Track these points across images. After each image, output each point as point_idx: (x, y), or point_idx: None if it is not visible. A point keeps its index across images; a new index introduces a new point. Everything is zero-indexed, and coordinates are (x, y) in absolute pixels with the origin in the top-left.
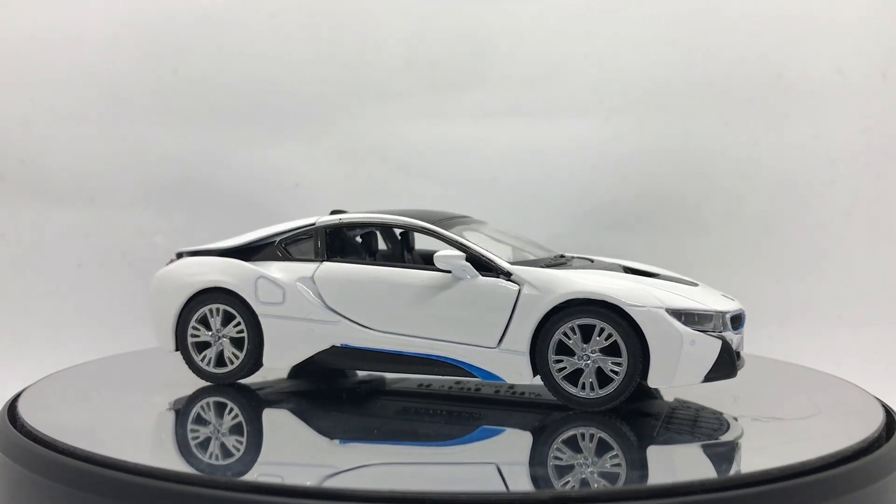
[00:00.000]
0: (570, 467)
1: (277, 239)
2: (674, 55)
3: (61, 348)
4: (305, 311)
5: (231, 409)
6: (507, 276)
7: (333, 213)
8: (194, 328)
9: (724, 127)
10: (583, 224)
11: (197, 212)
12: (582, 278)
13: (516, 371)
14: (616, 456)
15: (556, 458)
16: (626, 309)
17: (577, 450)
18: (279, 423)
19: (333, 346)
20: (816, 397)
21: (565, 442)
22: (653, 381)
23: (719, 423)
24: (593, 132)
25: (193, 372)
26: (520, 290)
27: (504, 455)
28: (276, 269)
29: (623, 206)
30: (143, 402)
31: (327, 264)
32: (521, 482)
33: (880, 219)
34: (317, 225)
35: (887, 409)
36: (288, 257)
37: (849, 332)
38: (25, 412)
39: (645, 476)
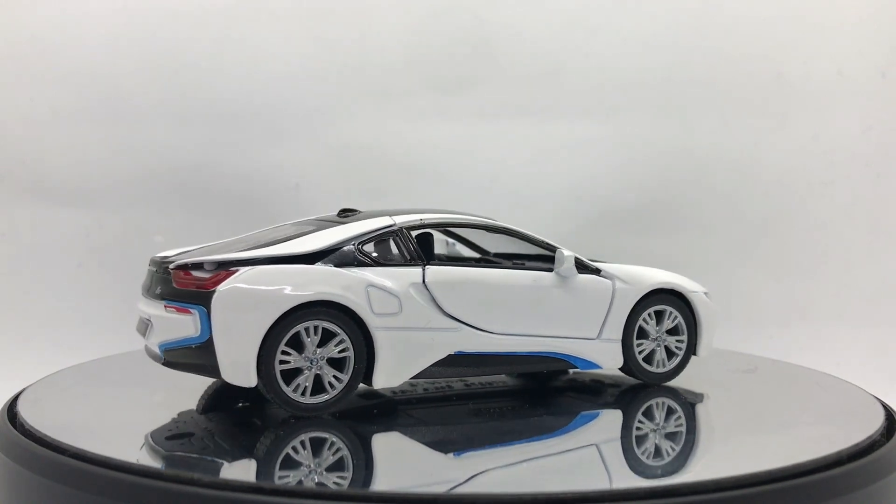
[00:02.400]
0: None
1: (353, 242)
2: (674, 55)
3: (61, 348)
4: (425, 320)
5: (330, 443)
6: (598, 272)
7: (344, 211)
8: (284, 352)
9: (724, 127)
10: (583, 224)
11: (197, 212)
12: (651, 272)
13: (612, 357)
14: (679, 417)
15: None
16: (689, 295)
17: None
18: (387, 445)
19: (450, 355)
20: (816, 397)
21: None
22: (700, 353)
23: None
24: (594, 132)
25: (282, 405)
26: (614, 285)
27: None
28: (378, 276)
29: (623, 206)
30: (143, 401)
31: (433, 268)
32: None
33: (880, 219)
34: (398, 226)
35: (887, 410)
36: (373, 262)
37: (849, 332)
38: (25, 412)
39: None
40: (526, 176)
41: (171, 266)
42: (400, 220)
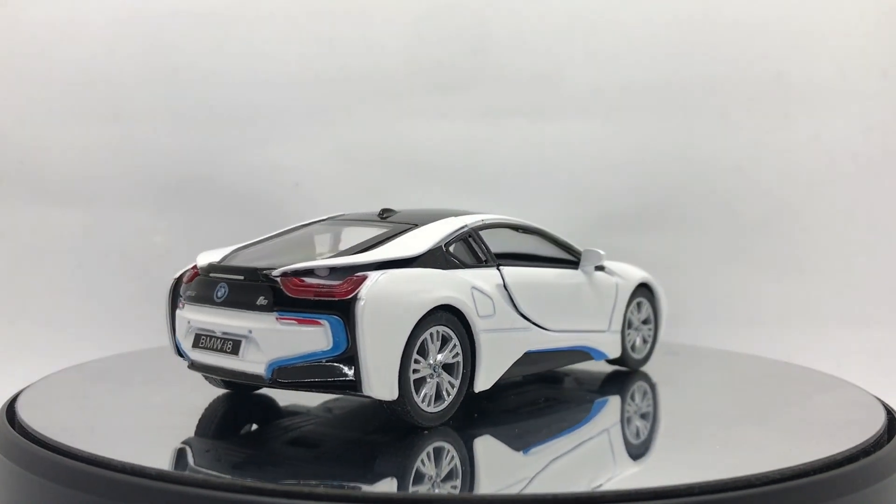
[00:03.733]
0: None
1: (442, 244)
2: (674, 55)
3: (61, 348)
4: (510, 321)
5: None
6: (602, 268)
7: (385, 211)
8: (416, 360)
9: (724, 126)
10: (583, 224)
11: (197, 212)
12: (629, 267)
13: (615, 348)
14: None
15: None
16: (656, 289)
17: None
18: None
19: (525, 354)
20: (817, 398)
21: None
22: (659, 338)
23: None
24: (594, 132)
25: (413, 419)
26: (616, 280)
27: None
28: (471, 278)
29: (623, 206)
30: (143, 402)
31: (507, 269)
32: None
33: (881, 218)
34: (469, 227)
35: (888, 410)
36: (460, 264)
37: (849, 333)
38: (24, 412)
39: None
40: (526, 176)
41: (279, 273)
42: (471, 221)
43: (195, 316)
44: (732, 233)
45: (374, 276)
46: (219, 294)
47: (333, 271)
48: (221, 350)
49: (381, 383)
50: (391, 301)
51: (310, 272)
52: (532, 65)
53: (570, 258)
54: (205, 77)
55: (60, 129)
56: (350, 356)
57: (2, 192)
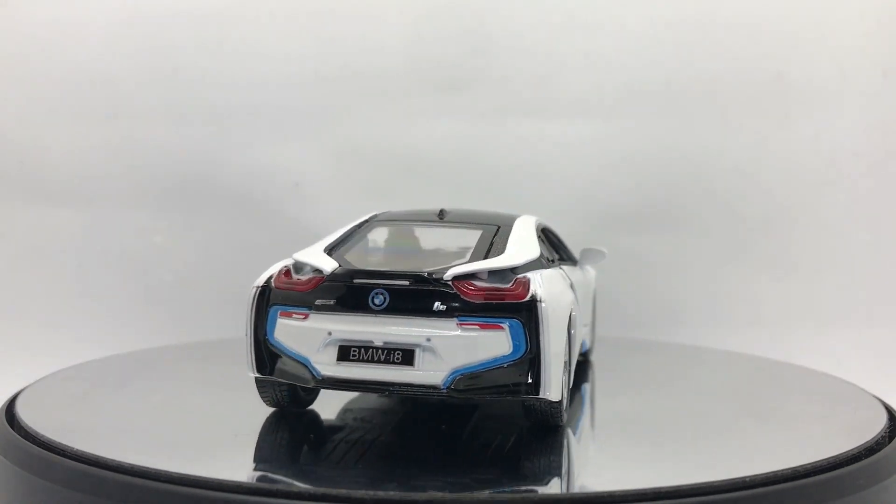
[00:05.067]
0: None
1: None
2: (674, 54)
3: (60, 348)
4: (583, 318)
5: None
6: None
7: (441, 212)
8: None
9: (724, 126)
10: (583, 223)
11: (196, 212)
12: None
13: (589, 340)
14: None
15: None
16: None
17: None
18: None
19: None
20: (818, 398)
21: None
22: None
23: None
24: (594, 132)
25: (560, 419)
26: (593, 274)
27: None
28: (566, 277)
29: (623, 206)
30: (143, 402)
31: (565, 268)
32: None
33: (882, 218)
34: (541, 226)
35: (889, 410)
36: (549, 263)
37: (850, 333)
38: (24, 412)
39: None
40: (526, 175)
41: (451, 277)
42: (537, 221)
43: (340, 326)
44: (732, 233)
45: (536, 278)
46: (376, 301)
47: (492, 274)
48: (387, 361)
49: (556, 384)
50: (556, 302)
51: (473, 275)
52: (532, 64)
53: (572, 256)
54: (205, 77)
55: (60, 129)
56: (528, 359)
57: (2, 192)
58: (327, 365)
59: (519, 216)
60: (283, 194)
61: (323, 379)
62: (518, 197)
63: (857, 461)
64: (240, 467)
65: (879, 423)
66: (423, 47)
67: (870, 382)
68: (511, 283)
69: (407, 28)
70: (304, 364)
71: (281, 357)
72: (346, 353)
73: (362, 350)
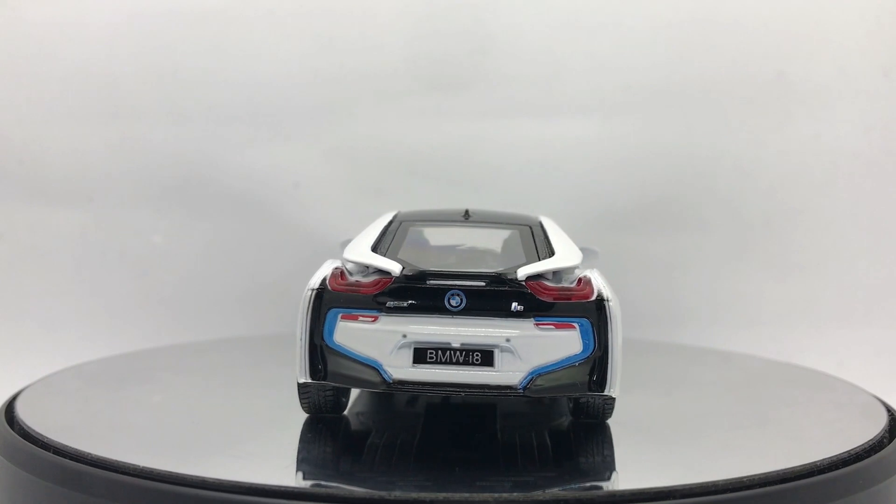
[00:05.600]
0: None
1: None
2: (675, 54)
3: (60, 348)
4: None
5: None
6: None
7: (467, 213)
8: None
9: (725, 126)
10: (583, 224)
11: (196, 212)
12: None
13: None
14: None
15: None
16: None
17: None
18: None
19: None
20: (818, 398)
21: None
22: None
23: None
24: (594, 132)
25: (611, 414)
26: None
27: None
28: None
29: (623, 206)
30: (143, 402)
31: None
32: None
33: (883, 218)
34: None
35: (890, 411)
36: None
37: (851, 333)
38: (23, 413)
39: None
40: (526, 175)
41: (524, 276)
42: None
43: (416, 328)
44: (733, 233)
45: (597, 278)
46: (453, 302)
47: (554, 274)
48: (466, 363)
49: (619, 382)
50: (616, 300)
51: (542, 275)
52: (532, 64)
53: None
54: (205, 77)
55: (60, 129)
56: (596, 357)
57: (2, 192)
58: (401, 368)
59: (538, 216)
60: (283, 194)
61: (395, 382)
62: (518, 197)
63: (857, 461)
64: (241, 468)
65: (879, 423)
66: (423, 47)
67: (870, 382)
68: (576, 283)
69: (407, 28)
70: (375, 367)
71: (342, 361)
72: (422, 355)
73: (439, 352)
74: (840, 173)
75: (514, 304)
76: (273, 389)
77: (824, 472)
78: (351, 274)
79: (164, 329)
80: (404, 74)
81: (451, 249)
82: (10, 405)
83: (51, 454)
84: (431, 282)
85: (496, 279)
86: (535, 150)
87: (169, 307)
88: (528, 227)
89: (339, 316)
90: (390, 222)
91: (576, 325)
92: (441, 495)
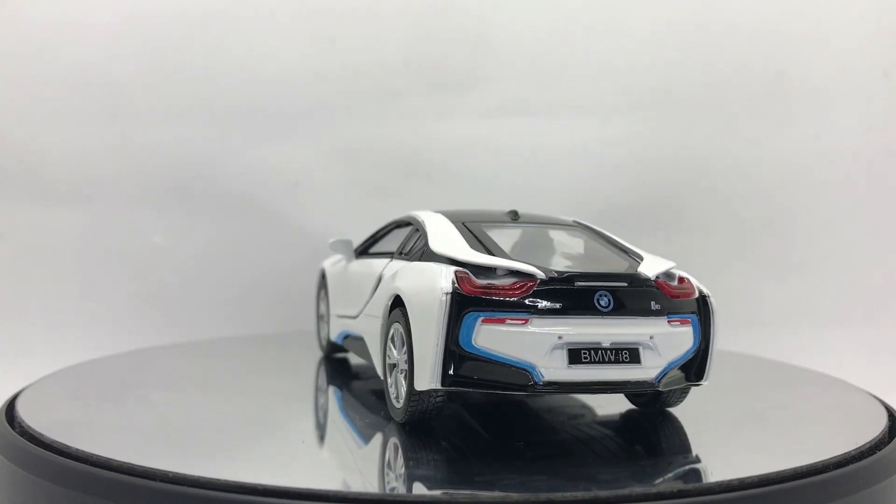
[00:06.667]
0: None
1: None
2: (675, 54)
3: (60, 348)
4: None
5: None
6: None
7: (510, 213)
8: None
9: (725, 126)
10: None
11: (196, 212)
12: None
13: None
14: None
15: None
16: None
17: None
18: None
19: None
20: (818, 399)
21: None
22: None
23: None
24: (594, 132)
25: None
26: None
27: None
28: None
29: (624, 206)
30: (143, 402)
31: None
32: None
33: (883, 218)
34: None
35: (889, 411)
36: None
37: (851, 333)
38: (24, 412)
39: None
40: (526, 175)
41: (655, 276)
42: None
43: (569, 329)
44: (733, 233)
45: (691, 277)
46: (602, 303)
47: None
48: (616, 361)
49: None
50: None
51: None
52: (532, 64)
53: None
54: (204, 77)
55: (60, 129)
56: (700, 350)
57: (2, 192)
58: (556, 369)
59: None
60: (283, 194)
61: (546, 383)
62: (518, 197)
63: (857, 461)
64: (241, 468)
65: (879, 423)
66: (423, 47)
67: (870, 382)
68: (678, 281)
69: (407, 28)
70: (527, 370)
71: (485, 365)
72: (577, 356)
73: (592, 352)
74: (839, 173)
75: (652, 303)
76: (273, 389)
77: (824, 472)
78: (478, 277)
79: (164, 329)
80: (405, 74)
81: (539, 249)
82: (11, 405)
83: (51, 453)
84: (579, 283)
85: (636, 279)
86: (535, 150)
87: (169, 307)
88: (582, 227)
89: (480, 320)
90: (463, 223)
91: (690, 320)
92: (559, 495)
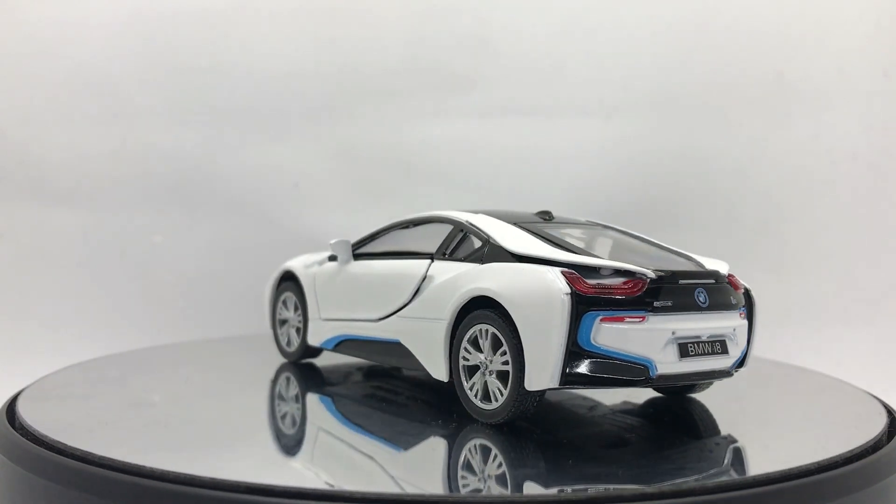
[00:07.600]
0: None
1: None
2: (675, 55)
3: (60, 348)
4: None
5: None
6: None
7: (542, 213)
8: None
9: (725, 126)
10: None
11: (197, 212)
12: None
13: None
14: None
15: None
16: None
17: None
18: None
19: None
20: (817, 398)
21: None
22: None
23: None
24: (594, 132)
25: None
26: None
27: None
28: None
29: (624, 206)
30: (143, 401)
31: None
32: None
33: (882, 218)
34: None
35: (889, 411)
36: None
37: (850, 333)
38: (24, 412)
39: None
40: (526, 176)
41: (725, 273)
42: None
43: (680, 325)
44: (733, 232)
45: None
46: (700, 299)
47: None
48: (712, 353)
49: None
50: None
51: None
52: (532, 65)
53: None
54: (205, 77)
55: (61, 129)
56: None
57: (2, 192)
58: (669, 363)
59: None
60: (283, 194)
61: (658, 377)
62: (518, 197)
63: (857, 461)
64: (239, 467)
65: (879, 423)
66: (423, 47)
67: (870, 382)
68: (731, 278)
69: (407, 28)
70: (645, 365)
71: (604, 362)
72: (685, 349)
73: (696, 345)
74: (839, 173)
75: (731, 298)
76: (273, 389)
77: (823, 472)
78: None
79: (164, 328)
80: (405, 74)
81: (607, 248)
82: (12, 404)
83: (51, 453)
84: (683, 281)
85: (719, 276)
86: (535, 150)
87: (169, 307)
88: (609, 228)
89: (599, 318)
90: (521, 223)
91: (745, 313)
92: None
